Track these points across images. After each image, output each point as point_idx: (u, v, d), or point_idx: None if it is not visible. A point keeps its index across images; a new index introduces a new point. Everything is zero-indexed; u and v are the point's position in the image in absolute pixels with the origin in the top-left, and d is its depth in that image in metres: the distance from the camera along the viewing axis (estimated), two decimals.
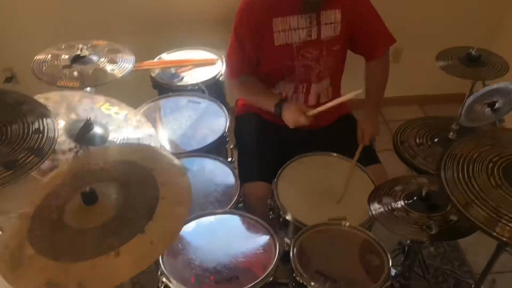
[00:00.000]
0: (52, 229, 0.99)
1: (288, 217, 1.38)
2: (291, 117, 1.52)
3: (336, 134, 1.74)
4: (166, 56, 2.13)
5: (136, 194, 1.04)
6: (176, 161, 1.15)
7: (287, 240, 1.45)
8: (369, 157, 1.64)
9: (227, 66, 1.75)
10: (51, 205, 1.03)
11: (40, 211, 1.03)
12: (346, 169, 1.54)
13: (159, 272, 1.20)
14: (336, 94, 1.79)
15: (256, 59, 1.64)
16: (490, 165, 1.08)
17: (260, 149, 1.69)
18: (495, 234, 0.93)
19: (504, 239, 0.93)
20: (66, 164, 1.18)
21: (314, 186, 1.49)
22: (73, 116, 1.39)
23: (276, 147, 1.69)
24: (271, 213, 1.47)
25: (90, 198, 1.00)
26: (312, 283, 1.16)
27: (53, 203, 1.04)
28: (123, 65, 1.71)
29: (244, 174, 1.55)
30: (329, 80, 1.72)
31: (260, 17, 1.54)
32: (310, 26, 1.57)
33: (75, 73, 1.62)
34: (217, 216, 1.38)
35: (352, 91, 1.53)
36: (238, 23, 1.58)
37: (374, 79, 1.74)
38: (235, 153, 1.81)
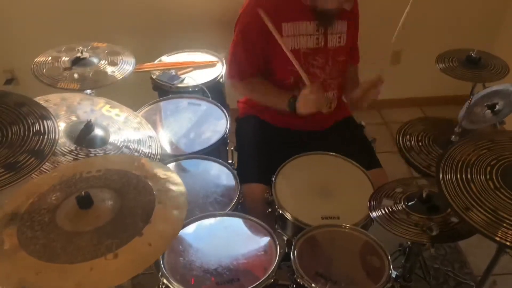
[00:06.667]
0: (45, 231, 0.97)
1: (283, 212, 1.39)
2: (308, 103, 1.51)
3: (336, 137, 1.73)
4: (166, 58, 2.13)
5: (132, 199, 1.04)
6: (170, 169, 1.16)
7: (284, 236, 1.46)
8: (370, 161, 1.64)
9: (232, 68, 1.71)
10: (42, 208, 1.02)
11: (30, 214, 1.01)
12: (345, 165, 1.57)
13: (160, 274, 1.20)
14: (340, 105, 1.80)
15: (263, 60, 1.64)
16: (488, 168, 1.08)
17: (259, 151, 1.69)
18: (496, 238, 0.93)
19: (507, 243, 0.92)
20: (54, 170, 1.17)
21: (311, 184, 1.50)
22: (74, 118, 1.39)
23: (275, 149, 1.69)
24: (269, 209, 1.48)
25: (85, 202, 1.00)
26: (313, 285, 1.16)
27: (43, 206, 1.03)
28: (123, 67, 1.71)
29: (243, 175, 1.55)
30: (334, 92, 1.72)
31: (269, 20, 1.50)
32: (318, 33, 1.58)
33: (76, 75, 1.63)
34: (218, 218, 1.38)
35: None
36: (245, 23, 1.58)
37: (355, 77, 1.82)
38: (235, 155, 1.81)
